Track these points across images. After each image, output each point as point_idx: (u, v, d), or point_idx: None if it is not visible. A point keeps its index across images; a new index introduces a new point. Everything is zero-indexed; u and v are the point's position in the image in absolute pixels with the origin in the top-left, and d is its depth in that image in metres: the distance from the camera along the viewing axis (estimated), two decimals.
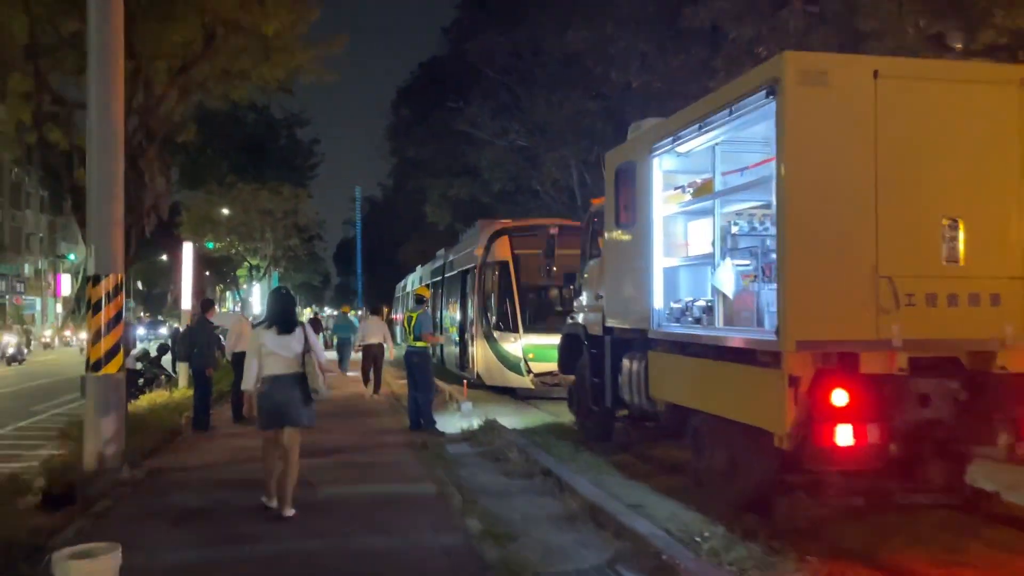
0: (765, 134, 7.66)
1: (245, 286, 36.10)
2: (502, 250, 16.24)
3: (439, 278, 23.09)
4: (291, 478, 7.07)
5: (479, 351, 16.59)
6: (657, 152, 8.22)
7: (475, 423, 12.50)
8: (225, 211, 32.57)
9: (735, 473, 7.00)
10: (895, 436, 6.05)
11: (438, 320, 22.91)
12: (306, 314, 30.64)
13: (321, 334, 39.93)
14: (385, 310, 64.98)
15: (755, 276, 6.92)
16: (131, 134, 12.47)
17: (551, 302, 15.73)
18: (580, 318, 11.00)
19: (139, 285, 72.34)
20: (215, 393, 13.54)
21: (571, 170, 31.48)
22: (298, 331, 7.29)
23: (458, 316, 19.01)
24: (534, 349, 15.17)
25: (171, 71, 12.24)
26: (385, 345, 15.95)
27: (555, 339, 15.03)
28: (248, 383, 7.34)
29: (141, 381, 16.42)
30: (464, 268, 18.64)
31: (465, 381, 15.64)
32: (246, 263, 37.23)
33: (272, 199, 30.19)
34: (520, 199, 35.50)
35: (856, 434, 5.94)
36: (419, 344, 11.98)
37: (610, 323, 9.56)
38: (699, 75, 20.19)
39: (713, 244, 7.44)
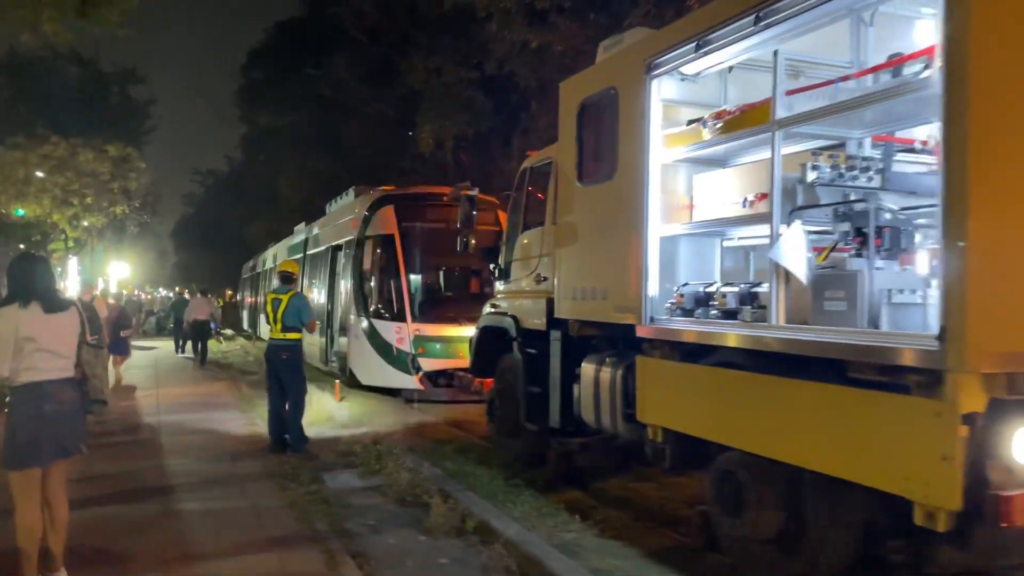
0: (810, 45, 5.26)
1: (61, 262, 30.44)
2: (386, 222, 13.16)
3: (300, 255, 19.57)
4: (63, 533, 4.67)
5: (354, 344, 13.46)
6: (660, 70, 5.63)
7: (356, 438, 9.65)
8: (40, 174, 27.08)
9: (802, 543, 4.56)
10: None
11: None
12: (116, 294, 25.96)
13: (155, 317, 35.02)
14: (228, 293, 59.57)
15: (839, 246, 4.48)
16: None
17: (447, 286, 12.87)
18: (508, 306, 8.29)
19: None
20: None
21: (444, 146, 28.56)
22: (72, 311, 4.68)
23: (325, 301, 15.74)
24: (425, 342, 12.28)
25: None
26: (212, 324, 19.82)
27: (451, 330, 12.27)
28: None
29: None
30: (335, 243, 15.36)
31: (337, 382, 12.55)
32: (63, 236, 31.51)
33: (97, 159, 25.18)
34: (387, 175, 32.19)
35: None
36: (289, 336, 8.86)
37: (564, 314, 6.91)
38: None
39: (749, 202, 4.96)
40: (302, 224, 22.45)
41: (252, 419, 11.16)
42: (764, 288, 4.89)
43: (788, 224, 4.56)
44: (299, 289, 9.16)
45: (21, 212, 30.63)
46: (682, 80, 5.85)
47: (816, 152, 4.70)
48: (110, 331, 15.12)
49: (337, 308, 14.78)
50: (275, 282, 10.13)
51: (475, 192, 8.41)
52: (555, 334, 7.13)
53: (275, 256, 25.36)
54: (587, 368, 6.55)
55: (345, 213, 15.25)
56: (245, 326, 34.96)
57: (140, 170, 27.31)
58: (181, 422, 10.90)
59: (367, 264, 13.42)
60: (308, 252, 18.63)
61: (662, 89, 5.78)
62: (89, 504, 6.21)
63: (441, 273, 12.74)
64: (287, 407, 8.97)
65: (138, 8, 16.40)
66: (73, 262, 30.00)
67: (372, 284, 13.28)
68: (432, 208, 13.24)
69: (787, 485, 4.56)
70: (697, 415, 5.23)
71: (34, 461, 4.57)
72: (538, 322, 7.45)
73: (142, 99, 42.54)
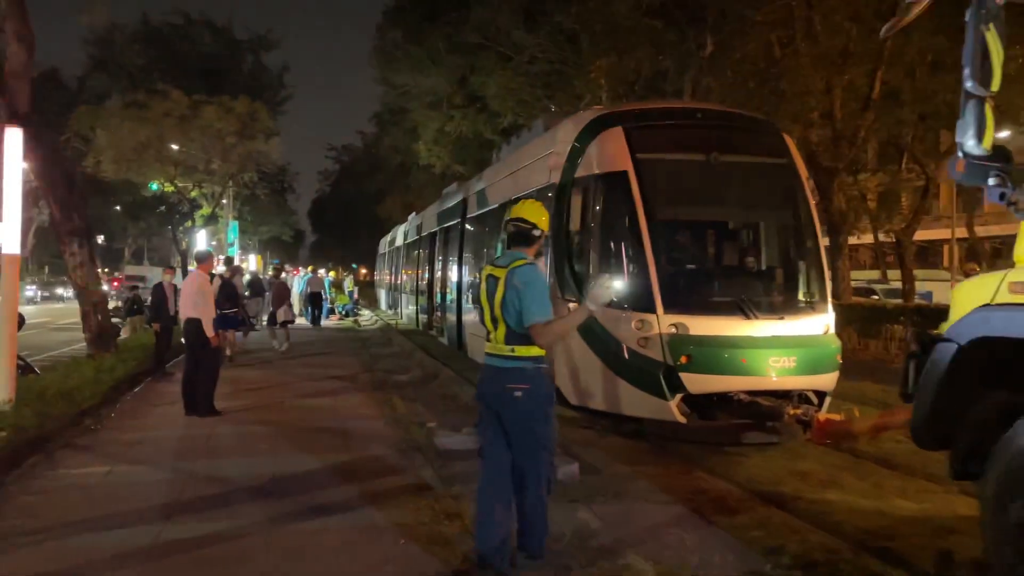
0: None
1: (187, 234, 27.13)
2: (613, 152, 7.96)
3: (455, 221, 14.82)
4: None
5: (561, 343, 8.47)
6: None
7: (617, 527, 4.76)
8: (175, 146, 23.76)
9: None
10: None
11: (455, 283, 14.70)
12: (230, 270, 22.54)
13: (291, 291, 31.61)
14: (361, 270, 57.02)
15: None
16: None
17: (724, 254, 7.71)
18: None
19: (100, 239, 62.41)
20: None
21: (602, 93, 22.96)
22: None
23: None
24: (690, 345, 7.11)
25: None
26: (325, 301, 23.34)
27: (736, 327, 7.08)
28: None
29: None
30: (518, 196, 10.36)
31: None
32: (201, 211, 28.21)
33: (224, 117, 21.45)
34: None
35: None
36: (520, 353, 3.99)
37: None
38: None
39: None
40: (453, 185, 17.78)
41: (419, 474, 6.42)
42: None
43: None
44: (532, 258, 4.21)
45: (155, 187, 27.69)
46: None
47: None
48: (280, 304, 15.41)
49: None
50: (490, 248, 5.22)
51: None
52: None
53: (419, 227, 20.85)
54: None
55: (535, 151, 10.24)
56: (383, 306, 31.17)
57: (270, 129, 23.44)
58: (305, 477, 6.28)
59: (579, 220, 8.27)
60: (468, 215, 13.84)
61: None
62: None
63: (712, 233, 7.56)
64: (523, 495, 4.12)
65: None
66: (202, 235, 26.75)
67: (592, 251, 8.19)
68: (686, 130, 8.04)
69: None
70: None
71: None
72: None
73: (276, 67, 39.49)
